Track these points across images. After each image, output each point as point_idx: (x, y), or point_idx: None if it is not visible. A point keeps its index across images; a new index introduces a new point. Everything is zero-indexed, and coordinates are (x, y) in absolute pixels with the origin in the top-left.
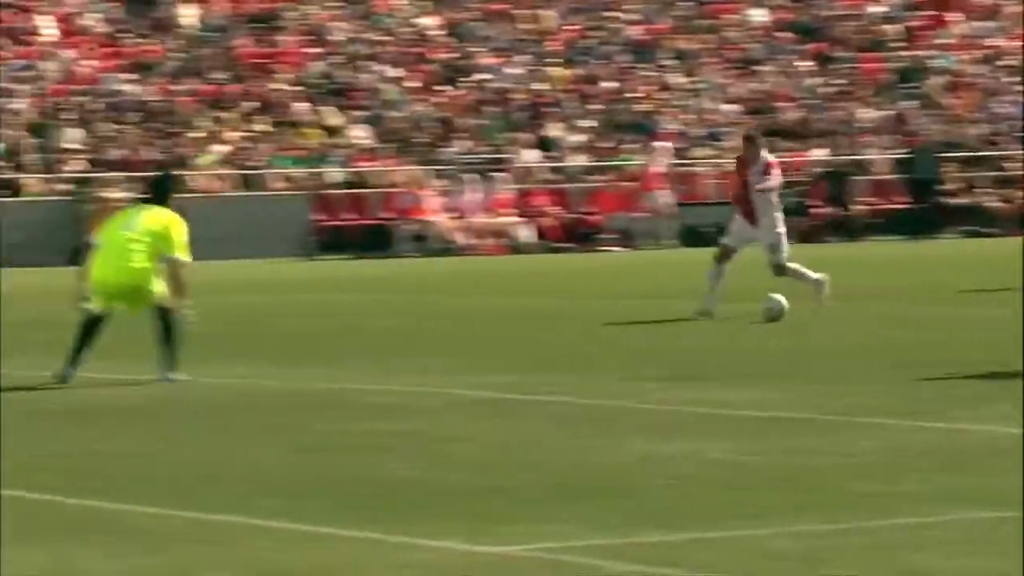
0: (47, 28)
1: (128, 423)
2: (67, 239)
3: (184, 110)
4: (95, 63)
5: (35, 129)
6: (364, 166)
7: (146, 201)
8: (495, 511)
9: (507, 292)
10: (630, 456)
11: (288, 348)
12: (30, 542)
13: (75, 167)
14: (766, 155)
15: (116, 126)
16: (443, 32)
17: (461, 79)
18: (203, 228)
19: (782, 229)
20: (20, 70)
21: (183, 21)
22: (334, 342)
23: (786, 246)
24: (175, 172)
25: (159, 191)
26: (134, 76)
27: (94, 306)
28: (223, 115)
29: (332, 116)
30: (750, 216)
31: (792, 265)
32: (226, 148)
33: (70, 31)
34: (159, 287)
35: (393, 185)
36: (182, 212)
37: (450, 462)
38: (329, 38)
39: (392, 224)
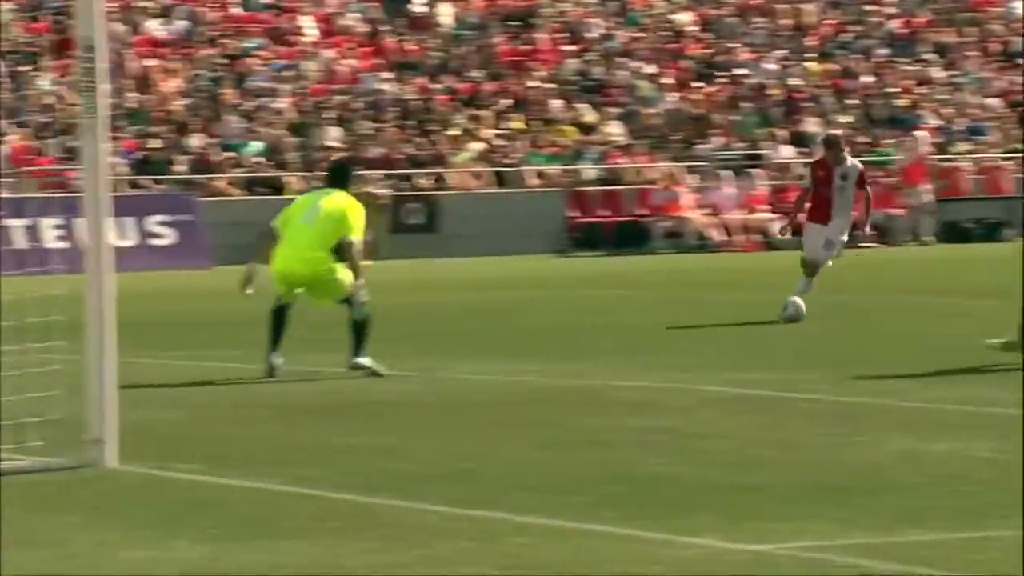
0: (308, 28)
1: (384, 418)
2: None
3: (441, 108)
4: (355, 62)
5: (296, 128)
6: (619, 163)
7: (326, 185)
8: (751, 508)
9: (762, 288)
10: (889, 454)
11: (542, 344)
12: (297, 536)
13: None
14: (852, 160)
15: (375, 124)
16: (699, 28)
17: (717, 75)
18: (458, 225)
19: (846, 237)
20: (281, 70)
21: (441, 20)
22: (588, 338)
23: (838, 252)
24: (350, 160)
25: (338, 177)
26: (392, 75)
27: (280, 295)
28: (479, 113)
29: (587, 113)
30: (823, 217)
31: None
32: (482, 146)
33: (330, 31)
34: (344, 275)
35: (648, 182)
36: (373, 200)
37: (704, 458)
38: (585, 35)
39: (647, 221)
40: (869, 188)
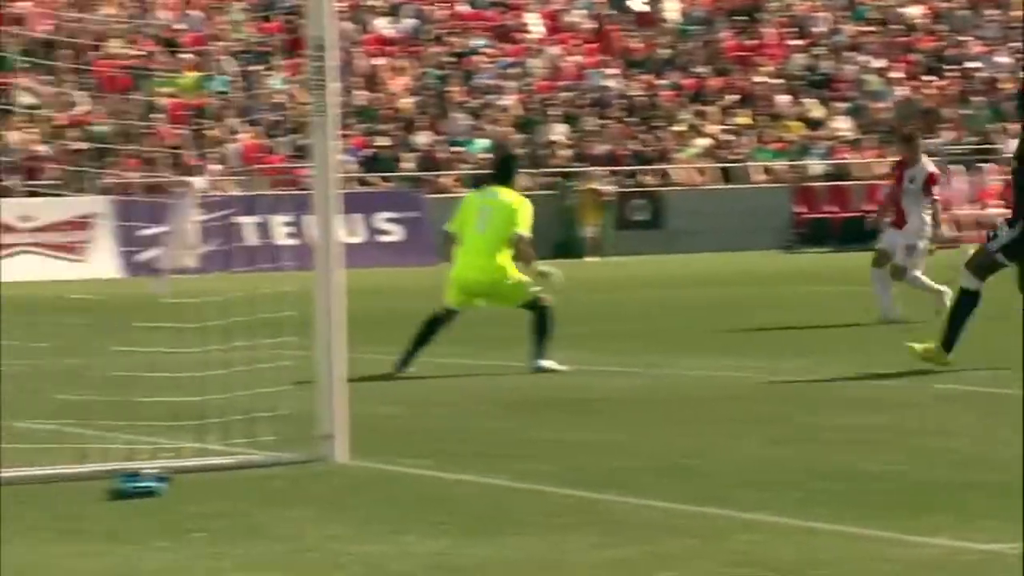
0: (534, 25)
1: (609, 414)
2: (553, 232)
3: (666, 104)
4: (580, 59)
5: (521, 125)
6: (846, 158)
7: (491, 180)
8: (981, 508)
9: (991, 285)
10: None
11: (768, 341)
12: (522, 531)
13: (560, 161)
14: (927, 161)
15: (600, 121)
16: (930, 21)
17: (947, 68)
18: (684, 221)
19: (925, 241)
20: (507, 67)
21: (667, 15)
22: (814, 335)
23: (921, 256)
24: (515, 153)
25: (503, 172)
26: (618, 71)
27: (450, 302)
28: (705, 108)
29: (814, 108)
30: (899, 220)
31: (916, 274)
32: (707, 141)
33: (556, 28)
34: (521, 279)
35: (876, 177)
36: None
37: (931, 456)
38: (812, 29)
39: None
40: (937, 194)
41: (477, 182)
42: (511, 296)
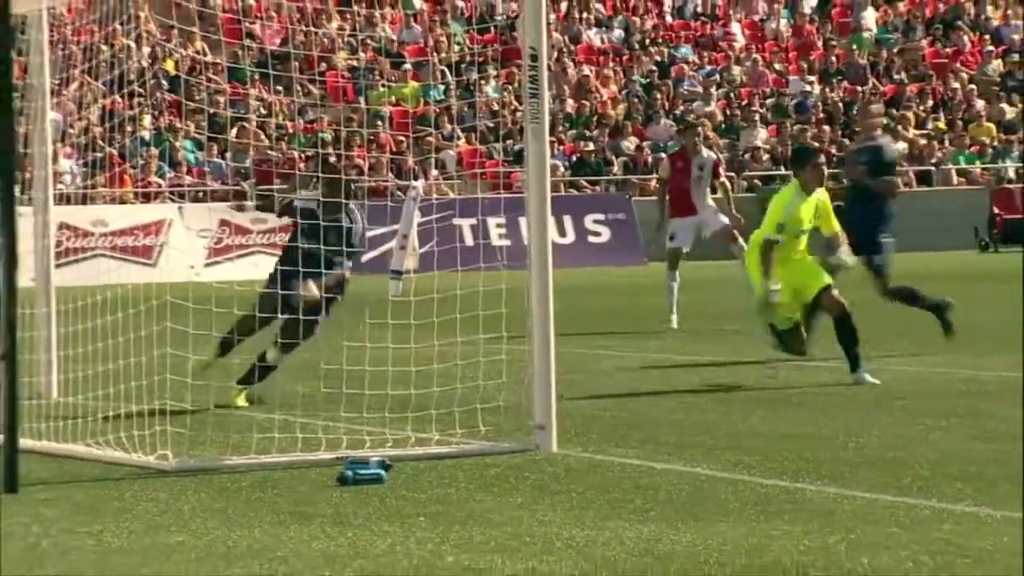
0: (737, 34)
1: (814, 407)
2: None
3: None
4: (780, 66)
5: (725, 130)
6: None
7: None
8: None
9: None
10: None
11: (969, 338)
12: (727, 519)
13: (762, 165)
14: (709, 151)
15: (801, 125)
16: None
17: None
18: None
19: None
20: (711, 75)
21: (865, 24)
22: (1014, 332)
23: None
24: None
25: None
26: (817, 78)
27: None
28: (903, 113)
29: (1009, 112)
30: (688, 210)
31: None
32: (905, 145)
33: (759, 36)
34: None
35: None
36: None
37: None
38: (1007, 36)
39: None
40: (724, 177)
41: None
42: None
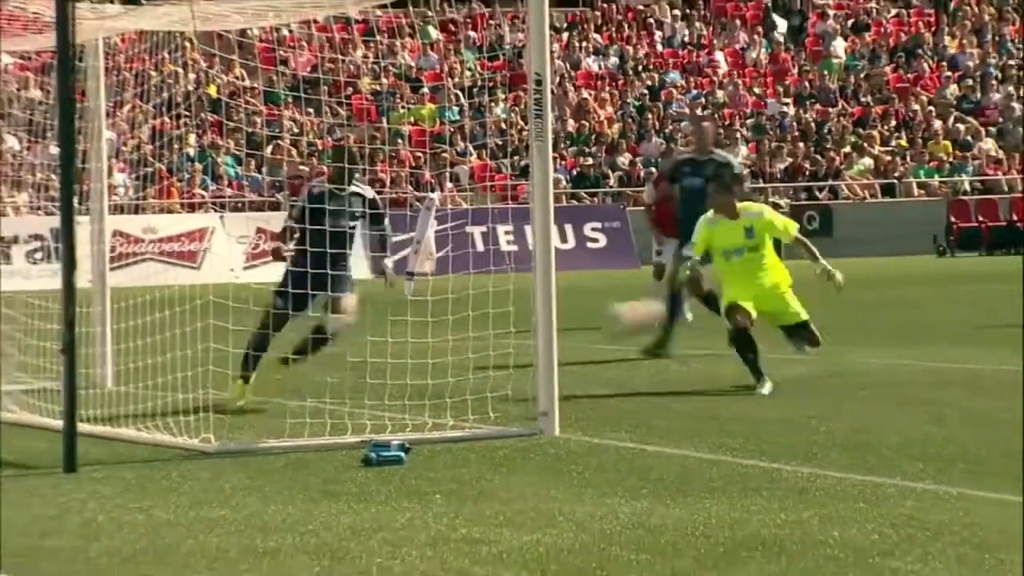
0: (721, 62)
1: (791, 395)
2: None
3: (836, 128)
4: (759, 90)
5: None
6: (993, 175)
7: None
8: None
9: None
10: None
11: (927, 333)
12: (711, 496)
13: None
14: None
15: (778, 143)
16: None
17: None
18: (851, 230)
19: None
20: (697, 97)
21: (835, 51)
22: (968, 327)
23: None
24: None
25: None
26: (789, 100)
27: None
28: (869, 132)
29: (964, 131)
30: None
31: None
32: (870, 161)
33: (739, 63)
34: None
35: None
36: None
37: None
38: (962, 64)
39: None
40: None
41: None
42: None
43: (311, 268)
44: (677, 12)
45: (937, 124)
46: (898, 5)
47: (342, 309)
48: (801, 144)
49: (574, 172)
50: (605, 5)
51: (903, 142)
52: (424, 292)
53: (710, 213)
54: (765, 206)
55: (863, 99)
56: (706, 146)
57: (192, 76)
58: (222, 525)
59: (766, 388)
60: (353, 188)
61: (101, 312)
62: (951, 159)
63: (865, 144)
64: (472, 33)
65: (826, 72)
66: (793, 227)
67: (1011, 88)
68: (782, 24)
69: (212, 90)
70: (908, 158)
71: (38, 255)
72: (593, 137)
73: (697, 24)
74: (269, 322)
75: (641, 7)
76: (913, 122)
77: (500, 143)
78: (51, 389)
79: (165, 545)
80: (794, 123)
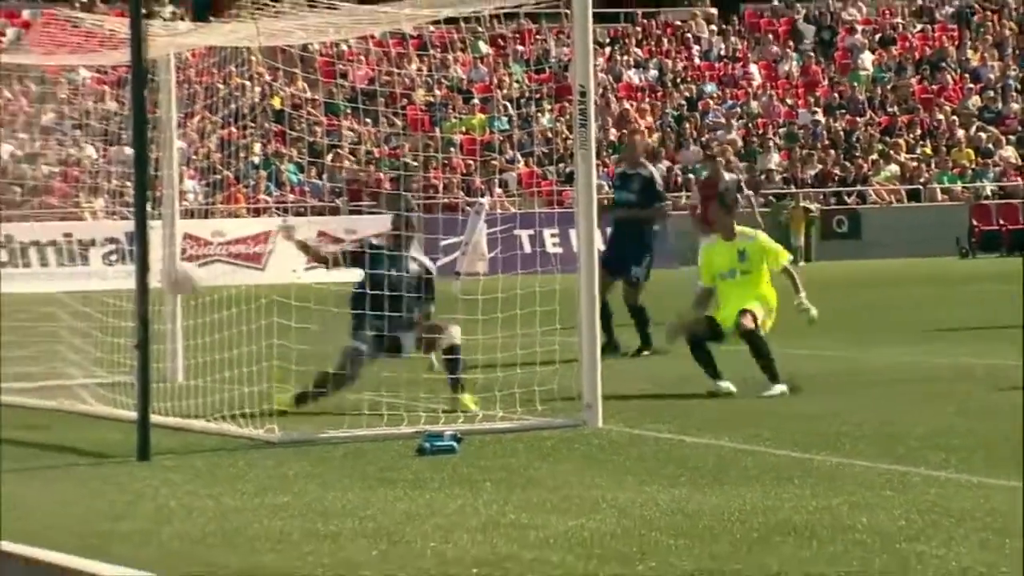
0: (755, 74)
1: (822, 391)
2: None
3: (864, 136)
4: (791, 101)
5: (744, 155)
6: (1014, 180)
7: None
8: None
9: None
10: None
11: (950, 330)
12: (744, 484)
13: (776, 185)
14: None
15: (810, 151)
16: None
17: None
18: (878, 233)
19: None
20: (732, 108)
21: (863, 64)
22: (990, 326)
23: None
24: None
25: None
26: (819, 110)
27: None
28: (896, 140)
29: (986, 139)
30: None
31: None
32: (896, 168)
33: (773, 75)
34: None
35: None
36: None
37: None
38: (984, 76)
39: None
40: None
41: None
42: None
43: (387, 312)
44: (714, 27)
45: (960, 133)
46: (923, 20)
47: (438, 345)
48: (831, 152)
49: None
50: (645, 21)
51: (927, 150)
52: (474, 291)
53: (713, 236)
54: (759, 231)
55: (890, 109)
56: (635, 159)
57: (257, 89)
58: (285, 510)
59: (725, 384)
60: (412, 255)
61: (172, 310)
62: (973, 166)
63: (892, 152)
64: (520, 47)
65: (855, 84)
66: (784, 256)
67: None
68: (809, 31)
69: (276, 102)
70: (932, 165)
71: (114, 257)
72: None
73: (732, 38)
74: (348, 368)
75: (679, 23)
76: (937, 131)
77: (546, 151)
78: (126, 383)
79: (232, 529)
80: (824, 132)
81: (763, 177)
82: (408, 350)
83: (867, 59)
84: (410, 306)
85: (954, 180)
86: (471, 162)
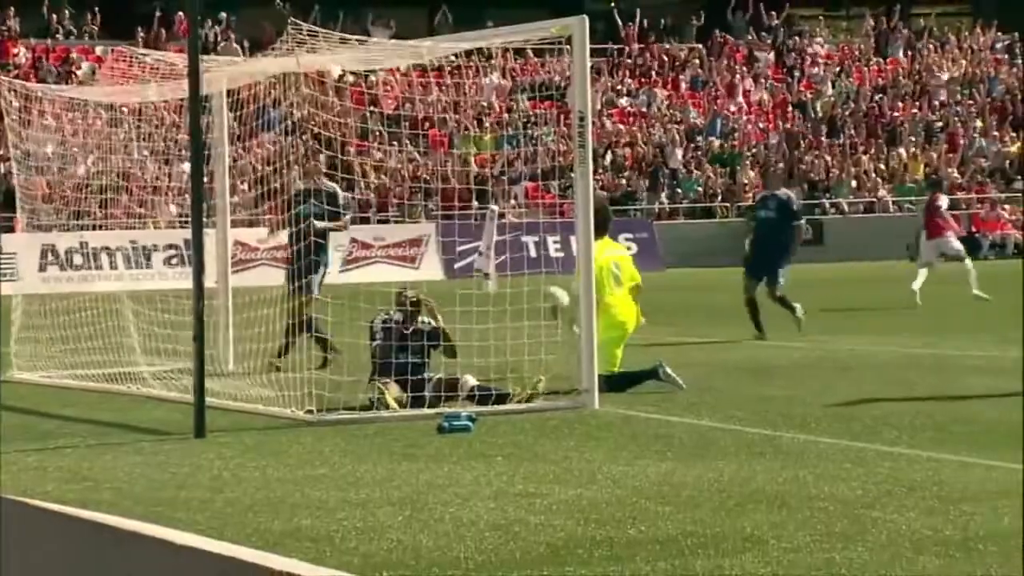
0: (734, 106)
1: (790, 376)
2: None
3: (827, 156)
4: (762, 126)
5: (726, 168)
6: (957, 195)
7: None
8: None
9: None
10: None
11: (904, 323)
12: (723, 459)
13: (749, 197)
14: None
15: (780, 166)
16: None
17: None
18: (840, 239)
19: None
20: (720, 128)
21: (826, 90)
22: (940, 319)
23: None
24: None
25: (600, 226)
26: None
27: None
28: (860, 157)
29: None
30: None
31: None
32: (853, 183)
33: (750, 104)
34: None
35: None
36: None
37: None
38: (934, 101)
39: (978, 235)
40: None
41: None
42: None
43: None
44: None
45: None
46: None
47: (460, 390)
48: (801, 168)
49: (611, 192)
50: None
51: (880, 165)
52: (486, 289)
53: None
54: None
55: (848, 131)
56: (311, 176)
57: (298, 113)
58: (322, 481)
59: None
60: (422, 327)
61: (224, 306)
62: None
63: (853, 169)
64: (527, 77)
65: (816, 108)
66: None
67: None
68: (766, 59)
69: (314, 125)
70: (887, 180)
71: (174, 261)
72: (626, 164)
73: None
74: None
75: (666, 58)
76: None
77: (549, 167)
78: (184, 369)
79: (277, 497)
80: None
81: (738, 190)
82: (428, 394)
83: (828, 87)
84: (422, 363)
85: (905, 193)
86: (484, 177)
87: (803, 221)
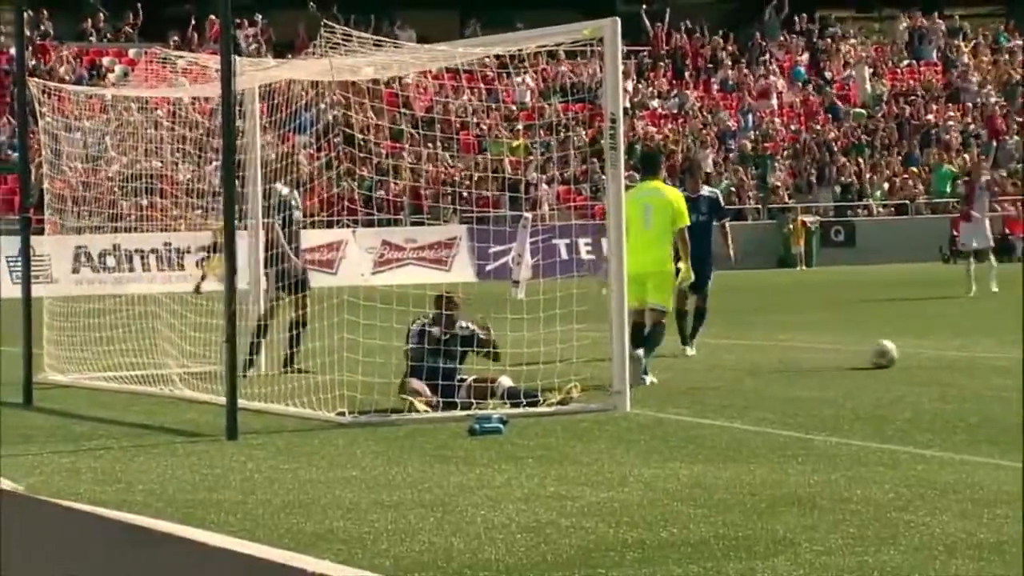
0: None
1: (822, 377)
2: (775, 250)
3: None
4: (795, 127)
5: (755, 169)
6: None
7: (643, 178)
8: None
9: None
10: None
11: (936, 325)
12: (753, 461)
13: (780, 199)
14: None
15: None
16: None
17: None
18: (871, 241)
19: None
20: (748, 130)
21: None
22: (970, 321)
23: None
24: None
25: (650, 166)
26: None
27: (631, 305)
28: (889, 159)
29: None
30: None
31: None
32: (886, 185)
33: (782, 105)
34: (672, 282)
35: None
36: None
37: None
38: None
39: (1014, 237)
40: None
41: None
42: (663, 292)
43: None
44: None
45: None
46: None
47: (492, 393)
48: (829, 170)
49: None
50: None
51: (915, 169)
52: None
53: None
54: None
55: (881, 133)
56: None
57: (331, 116)
58: (354, 483)
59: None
60: (459, 332)
61: (256, 309)
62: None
63: (884, 173)
64: (558, 80)
65: (849, 111)
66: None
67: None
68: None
69: (347, 127)
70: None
71: (205, 263)
72: None
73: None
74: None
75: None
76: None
77: (581, 170)
78: (216, 371)
79: (309, 499)
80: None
81: (769, 191)
82: (460, 397)
83: (856, 91)
84: (454, 367)
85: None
86: (517, 181)
87: (730, 217)
